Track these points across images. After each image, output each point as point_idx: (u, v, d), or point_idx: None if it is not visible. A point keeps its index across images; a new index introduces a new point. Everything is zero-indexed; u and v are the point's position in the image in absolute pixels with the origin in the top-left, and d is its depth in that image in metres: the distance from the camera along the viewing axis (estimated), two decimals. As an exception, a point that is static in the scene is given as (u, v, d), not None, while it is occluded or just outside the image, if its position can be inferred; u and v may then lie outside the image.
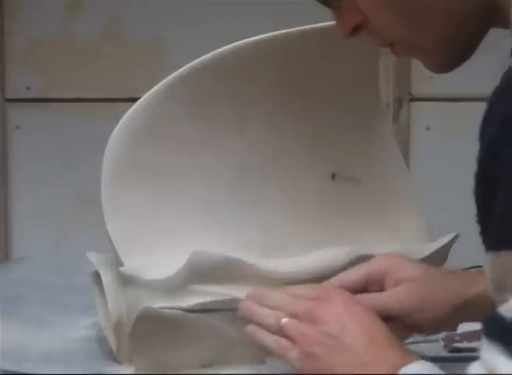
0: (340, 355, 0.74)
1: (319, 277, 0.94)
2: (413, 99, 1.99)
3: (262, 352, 0.92)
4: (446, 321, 0.88)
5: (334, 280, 0.89)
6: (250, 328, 0.81)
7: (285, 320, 0.78)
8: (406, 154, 1.93)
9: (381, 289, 0.87)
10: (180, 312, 0.89)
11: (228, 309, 0.90)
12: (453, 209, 1.76)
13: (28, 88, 2.02)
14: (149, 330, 0.89)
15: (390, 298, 0.86)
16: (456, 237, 1.04)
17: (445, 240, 1.03)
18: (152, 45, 2.00)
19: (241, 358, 0.92)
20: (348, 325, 0.75)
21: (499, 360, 0.59)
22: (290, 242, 1.00)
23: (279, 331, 0.78)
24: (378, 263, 0.89)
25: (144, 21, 1.99)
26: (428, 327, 0.89)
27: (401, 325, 0.85)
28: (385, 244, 1.00)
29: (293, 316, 0.78)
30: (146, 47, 2.00)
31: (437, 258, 1.00)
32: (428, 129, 2.00)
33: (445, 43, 0.76)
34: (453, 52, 0.77)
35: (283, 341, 0.77)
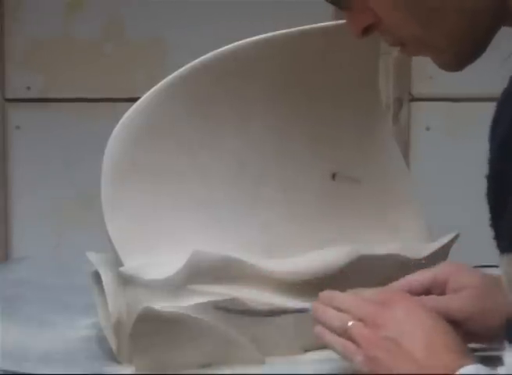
0: (399, 359, 0.75)
1: (320, 278, 0.94)
2: (413, 99, 1.99)
3: (262, 352, 0.93)
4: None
5: (402, 281, 0.89)
6: (318, 329, 0.83)
7: (350, 324, 0.80)
8: (406, 154, 1.93)
9: (442, 294, 0.88)
10: (180, 312, 0.89)
11: (228, 309, 0.90)
12: (453, 209, 1.76)
13: (28, 88, 2.02)
14: (149, 330, 0.89)
15: (453, 300, 0.87)
16: (456, 237, 1.04)
17: (445, 240, 1.04)
18: (152, 45, 2.00)
19: (241, 358, 0.92)
20: (408, 329, 0.76)
21: None
22: (290, 242, 1.00)
23: (345, 334, 0.80)
24: (442, 269, 0.90)
25: (144, 21, 1.99)
26: (487, 336, 0.88)
27: (461, 332, 0.84)
28: (385, 244, 1.01)
29: (359, 319, 0.80)
30: (146, 47, 2.00)
31: (437, 258, 1.00)
32: (428, 129, 2.00)
33: (457, 41, 0.76)
34: (465, 50, 0.77)
35: (349, 345, 0.79)
